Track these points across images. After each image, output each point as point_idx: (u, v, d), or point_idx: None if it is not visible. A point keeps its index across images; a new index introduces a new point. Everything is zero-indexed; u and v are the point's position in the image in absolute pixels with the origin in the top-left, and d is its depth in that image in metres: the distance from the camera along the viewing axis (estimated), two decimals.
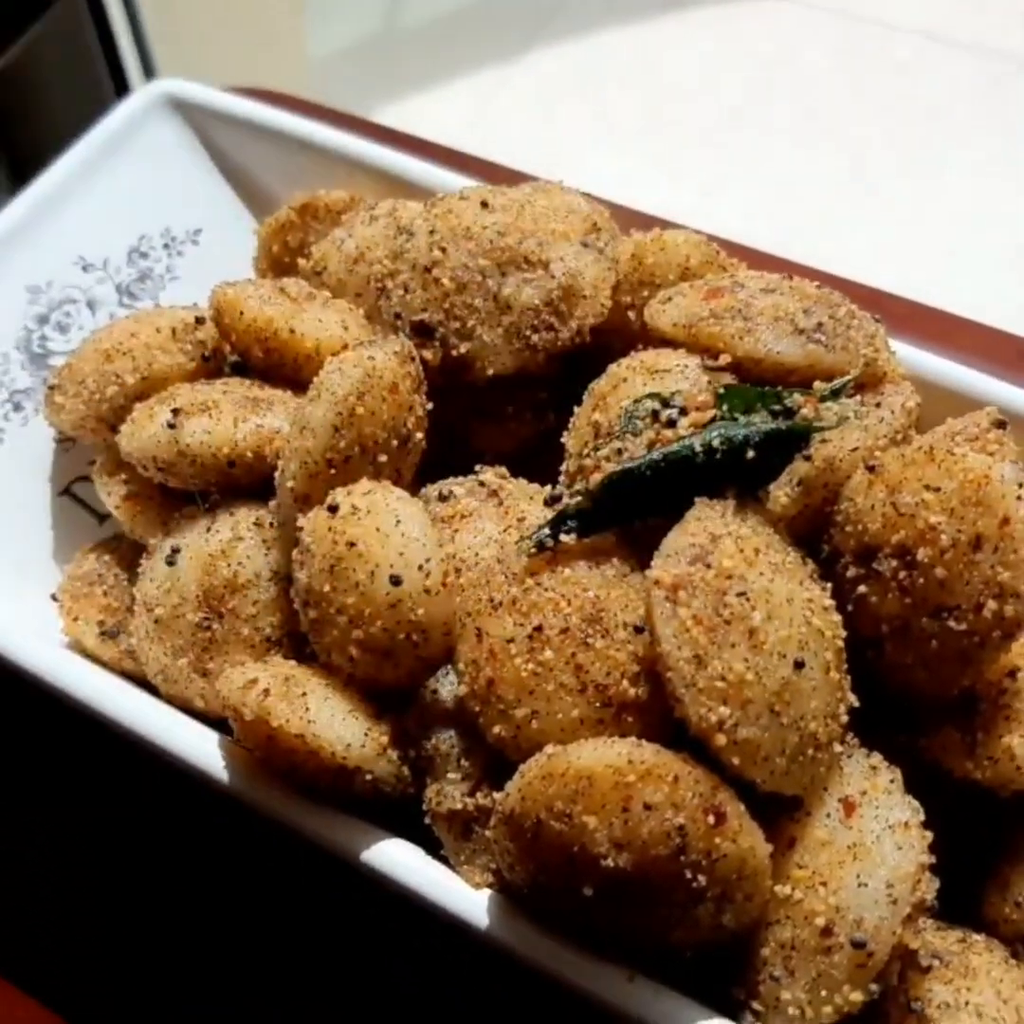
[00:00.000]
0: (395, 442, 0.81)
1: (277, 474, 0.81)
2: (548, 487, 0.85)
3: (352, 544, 0.75)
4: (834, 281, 0.95)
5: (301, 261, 1.01)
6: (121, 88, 2.03)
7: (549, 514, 0.80)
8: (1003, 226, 2.64)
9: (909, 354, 0.92)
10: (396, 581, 0.74)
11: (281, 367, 0.90)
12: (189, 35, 2.54)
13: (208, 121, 1.13)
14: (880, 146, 2.86)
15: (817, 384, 0.78)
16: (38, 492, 1.01)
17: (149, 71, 2.22)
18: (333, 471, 0.79)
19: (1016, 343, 1.19)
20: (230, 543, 0.83)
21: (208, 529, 0.84)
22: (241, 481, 0.86)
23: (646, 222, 0.98)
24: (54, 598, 0.95)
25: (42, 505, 1.01)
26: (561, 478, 0.85)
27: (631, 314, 0.92)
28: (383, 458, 0.81)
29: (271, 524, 0.84)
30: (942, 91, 2.97)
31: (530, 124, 2.93)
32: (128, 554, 0.96)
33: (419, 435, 0.84)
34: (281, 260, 1.07)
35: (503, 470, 0.88)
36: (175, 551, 0.84)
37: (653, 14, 3.25)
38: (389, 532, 0.75)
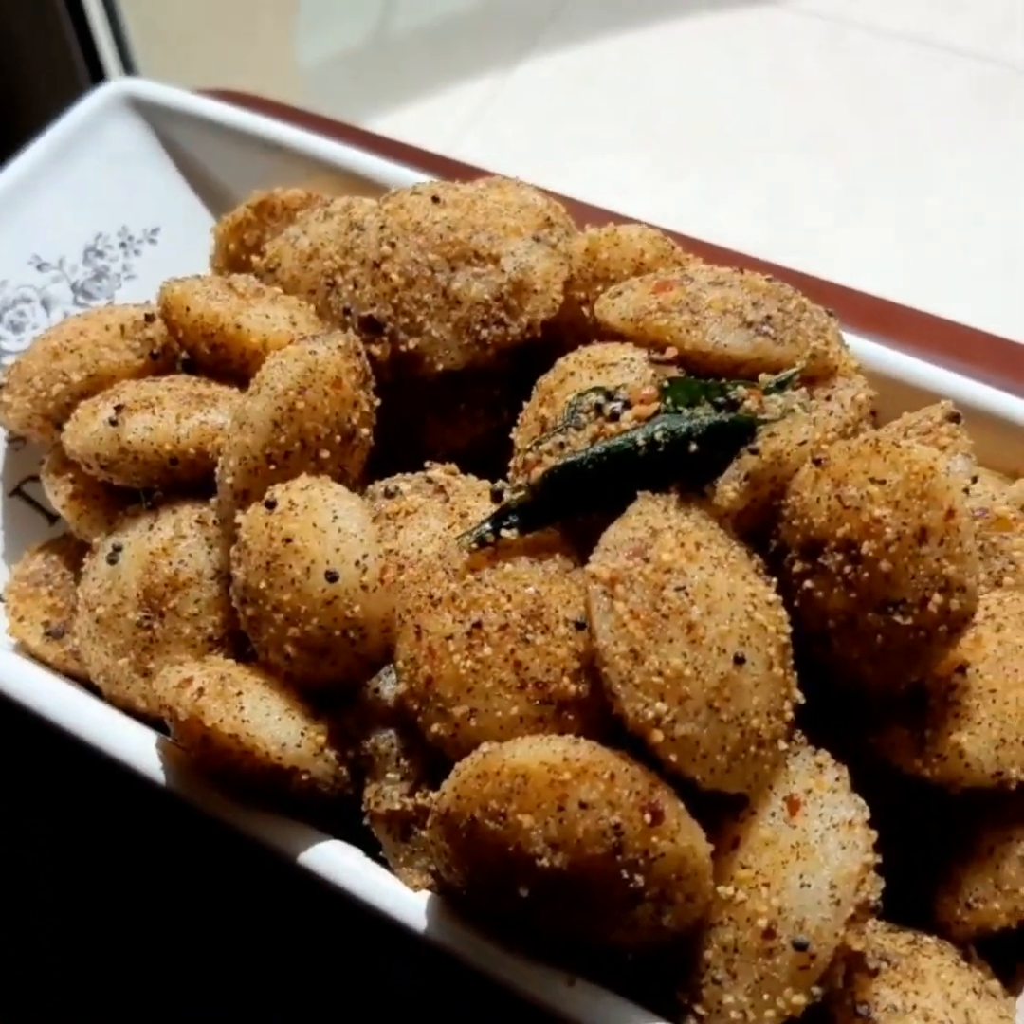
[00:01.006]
0: (338, 438, 0.80)
1: (217, 470, 0.80)
2: (499, 482, 0.84)
3: (288, 540, 0.73)
4: (794, 277, 0.94)
5: (255, 258, 1.00)
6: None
7: (494, 510, 0.79)
8: (995, 232, 2.63)
9: (866, 349, 0.91)
10: (332, 577, 0.72)
11: (228, 363, 0.89)
12: (175, 46, 2.54)
13: (167, 120, 1.12)
14: (873, 152, 2.86)
15: (763, 376, 0.77)
16: None
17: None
18: (273, 467, 0.78)
19: (987, 339, 1.17)
20: (172, 541, 0.82)
21: (150, 527, 0.83)
22: (184, 479, 0.84)
23: (606, 218, 0.96)
24: (0, 598, 0.93)
25: None
26: (509, 474, 0.84)
27: (585, 310, 0.90)
28: (325, 454, 0.79)
29: (214, 522, 0.83)
30: (935, 98, 2.96)
31: (524, 132, 2.92)
32: (75, 554, 0.94)
33: (365, 431, 0.83)
34: (238, 258, 1.05)
35: (453, 467, 0.87)
36: (117, 549, 0.83)
37: (647, 22, 3.25)
38: (326, 528, 0.74)
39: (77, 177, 1.08)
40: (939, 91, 2.97)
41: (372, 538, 0.74)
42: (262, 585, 0.74)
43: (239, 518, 0.77)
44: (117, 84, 1.12)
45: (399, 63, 3.21)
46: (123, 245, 1.09)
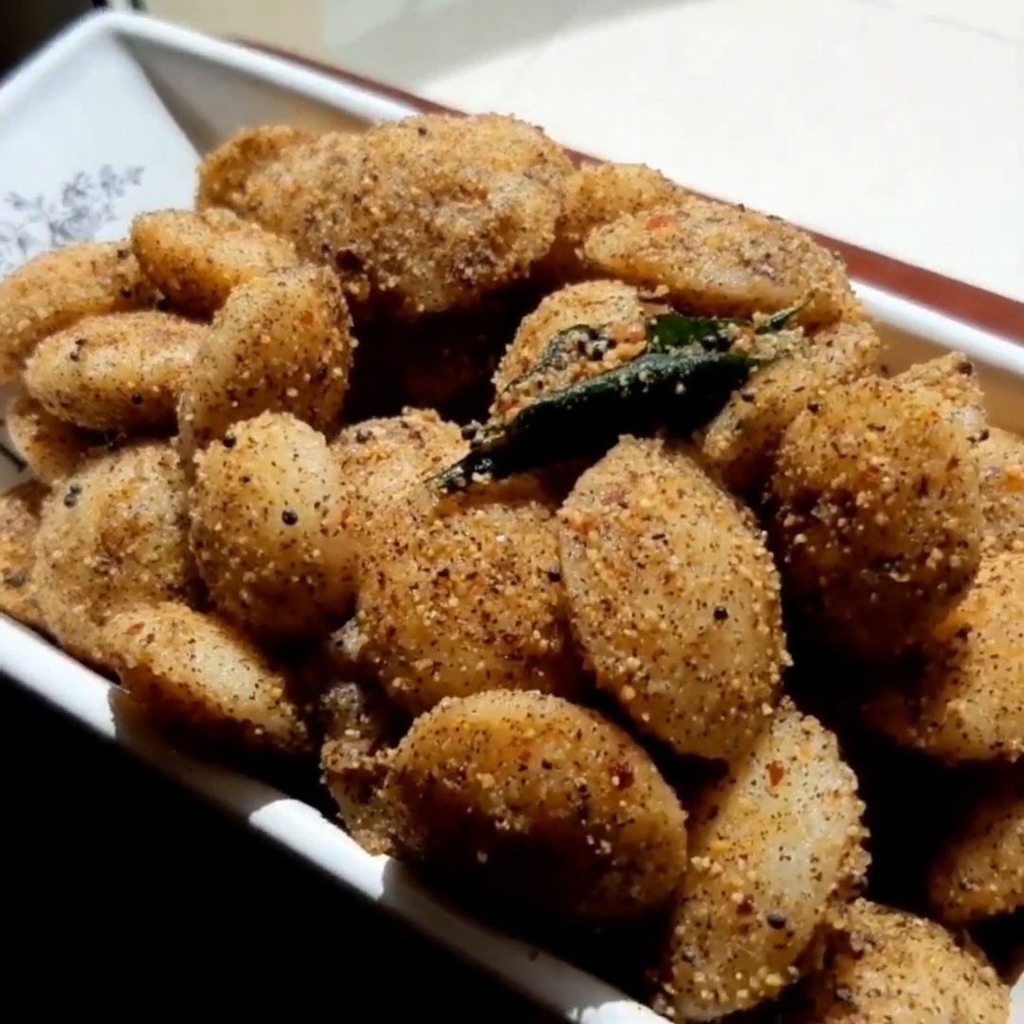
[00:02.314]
0: (307, 376, 0.76)
1: (178, 408, 0.76)
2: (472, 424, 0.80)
3: (246, 479, 0.69)
4: (822, 240, 0.88)
5: (236, 196, 0.96)
6: None
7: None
8: None
9: (876, 298, 0.86)
10: (290, 519, 0.68)
11: (200, 300, 0.85)
12: (198, 14, 2.50)
13: (153, 56, 1.08)
14: (907, 135, 2.79)
15: (757, 315, 0.72)
16: None
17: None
18: (235, 404, 0.73)
19: (1007, 304, 1.12)
20: (132, 483, 0.78)
21: (111, 469, 0.79)
22: (149, 419, 0.80)
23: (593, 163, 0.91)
24: None
25: None
26: (490, 420, 0.80)
27: (579, 252, 0.86)
28: (293, 393, 0.75)
29: (177, 465, 0.78)
30: (971, 82, 2.89)
31: (554, 110, 2.85)
32: (40, 500, 0.90)
33: (338, 371, 0.78)
34: (223, 198, 1.01)
35: (432, 413, 0.82)
36: (75, 492, 0.79)
37: (682, 3, 3.19)
38: (285, 467, 0.69)
39: (58, 113, 1.04)
40: (975, 75, 2.90)
41: (334, 479, 0.70)
42: (218, 527, 0.70)
43: (198, 457, 0.73)
44: (102, 18, 1.08)
45: (429, 39, 3.16)
46: (105, 184, 1.05)
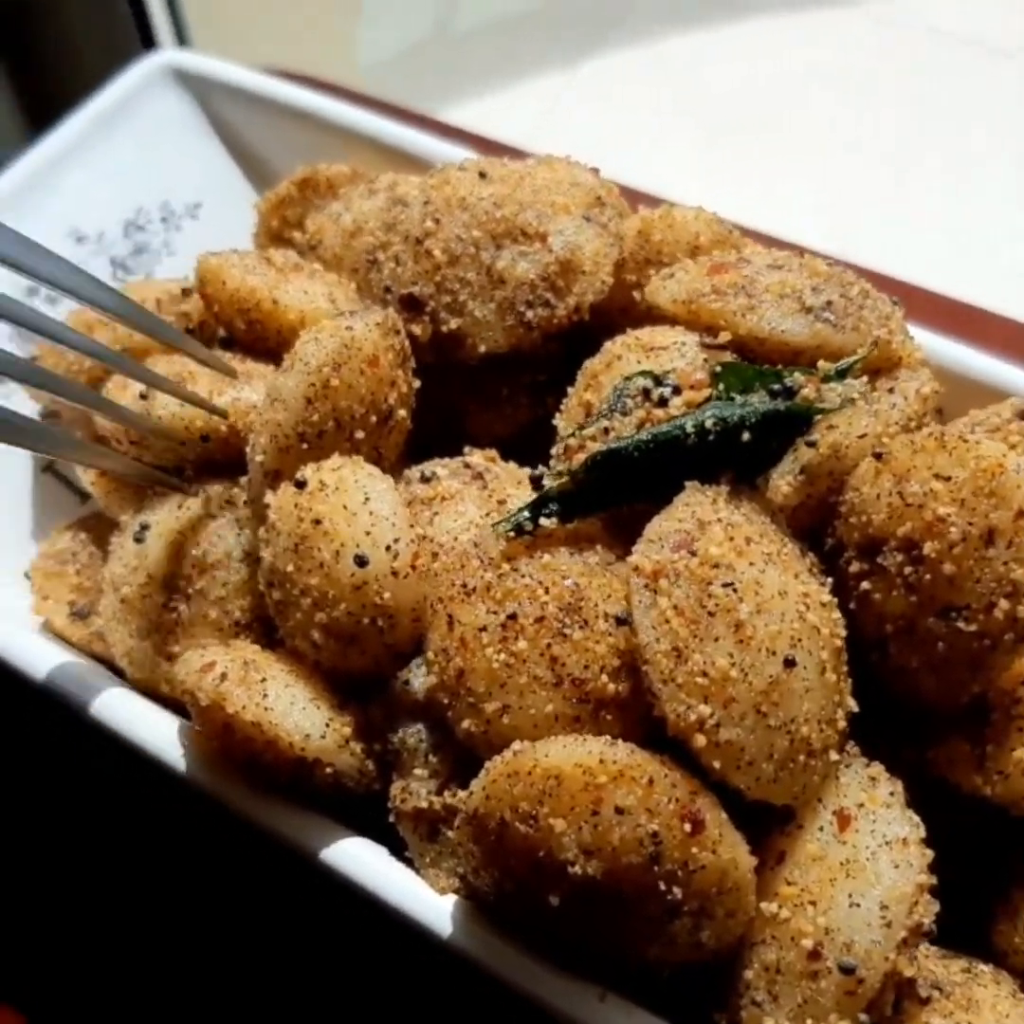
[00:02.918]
0: (374, 418, 0.77)
1: (248, 448, 0.77)
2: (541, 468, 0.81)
3: (318, 521, 0.70)
4: (863, 273, 0.89)
5: (296, 235, 0.98)
6: None
7: (533, 497, 0.76)
8: None
9: (932, 342, 0.87)
10: (361, 562, 0.69)
11: (264, 340, 0.86)
12: (235, 37, 2.53)
13: (212, 93, 1.10)
14: (933, 155, 2.80)
15: (821, 363, 0.72)
16: (20, 468, 0.98)
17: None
18: (305, 446, 0.75)
19: None
20: (201, 521, 0.79)
21: (179, 506, 0.80)
22: (216, 458, 0.82)
23: (651, 204, 0.93)
24: (27, 576, 0.91)
25: (23, 482, 0.98)
26: (551, 461, 0.81)
27: (637, 294, 0.87)
28: (360, 435, 0.76)
29: (244, 503, 0.80)
30: (994, 100, 2.90)
31: (589, 132, 2.88)
32: (104, 533, 0.92)
33: (402, 413, 0.80)
34: (280, 235, 1.02)
35: (492, 453, 0.83)
36: (144, 528, 0.80)
37: (714, 24, 3.21)
38: (356, 510, 0.70)
39: (119, 149, 1.06)
40: (997, 93, 2.91)
41: (404, 522, 0.71)
42: (289, 568, 0.71)
43: (269, 498, 0.74)
44: (162, 55, 1.10)
45: (463, 59, 3.18)
46: (164, 220, 1.07)
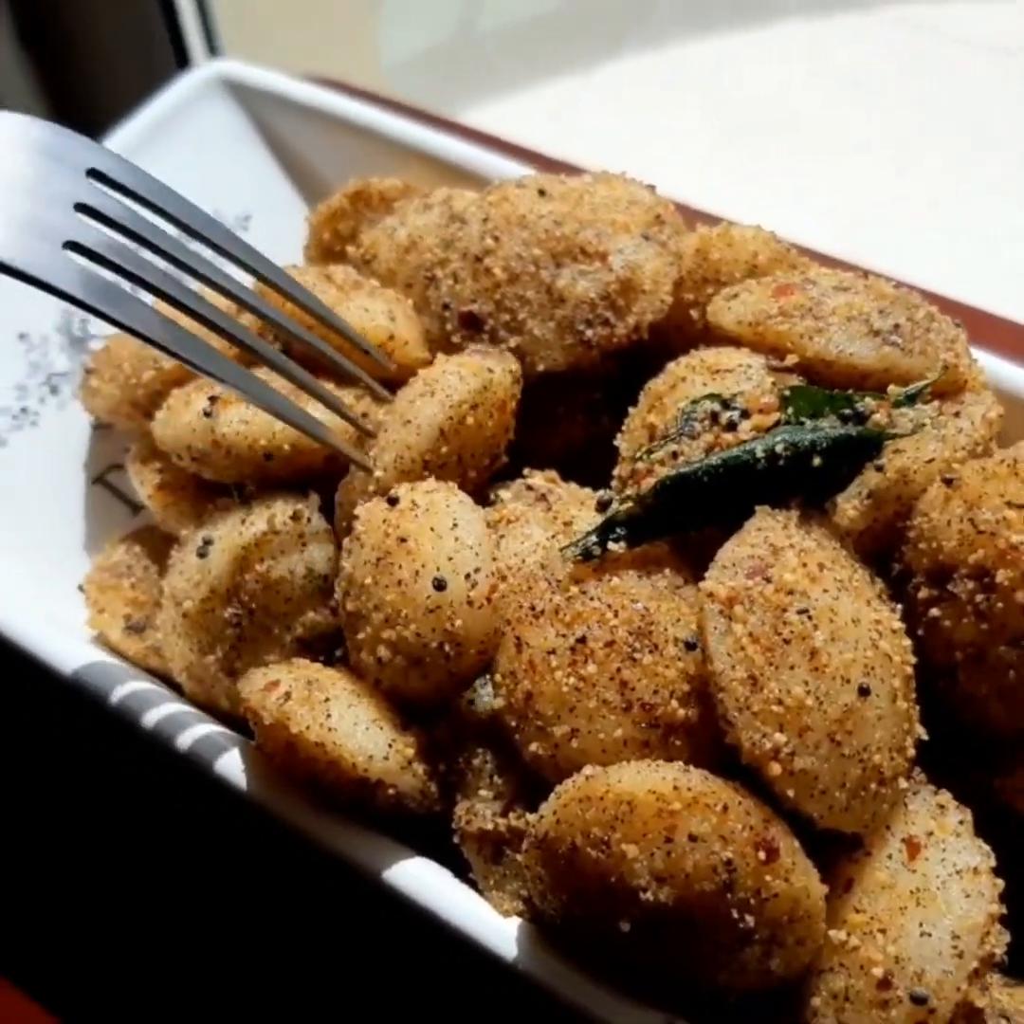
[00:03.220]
0: (487, 460, 0.79)
1: (350, 457, 0.76)
2: (601, 492, 0.81)
3: (403, 539, 0.71)
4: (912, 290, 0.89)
5: (350, 249, 0.97)
6: None
7: (599, 520, 0.76)
8: None
9: (991, 364, 0.86)
10: (439, 585, 0.69)
11: (323, 356, 0.86)
12: (262, 41, 2.53)
13: (263, 104, 1.10)
14: (957, 163, 2.79)
15: (891, 388, 0.72)
16: (71, 479, 0.98)
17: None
18: (426, 473, 0.76)
19: None
20: (265, 537, 0.79)
21: (242, 521, 0.80)
22: (278, 474, 0.82)
23: (714, 221, 0.92)
24: (81, 589, 0.91)
25: (75, 492, 0.98)
26: (613, 482, 0.81)
27: (694, 312, 0.87)
28: (472, 474, 0.78)
29: (309, 519, 0.80)
30: (1019, 108, 2.89)
31: (607, 136, 2.88)
32: (159, 546, 0.92)
33: (504, 458, 0.82)
34: (332, 248, 1.02)
35: (553, 474, 0.83)
36: (207, 543, 0.80)
37: (732, 28, 3.20)
38: (443, 534, 0.71)
39: (169, 160, 1.06)
40: (1014, 96, 2.90)
41: (488, 554, 0.72)
42: (368, 580, 0.71)
43: (358, 510, 0.74)
44: (212, 66, 1.10)
45: (482, 62, 3.18)
46: None
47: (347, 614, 0.73)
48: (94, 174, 0.70)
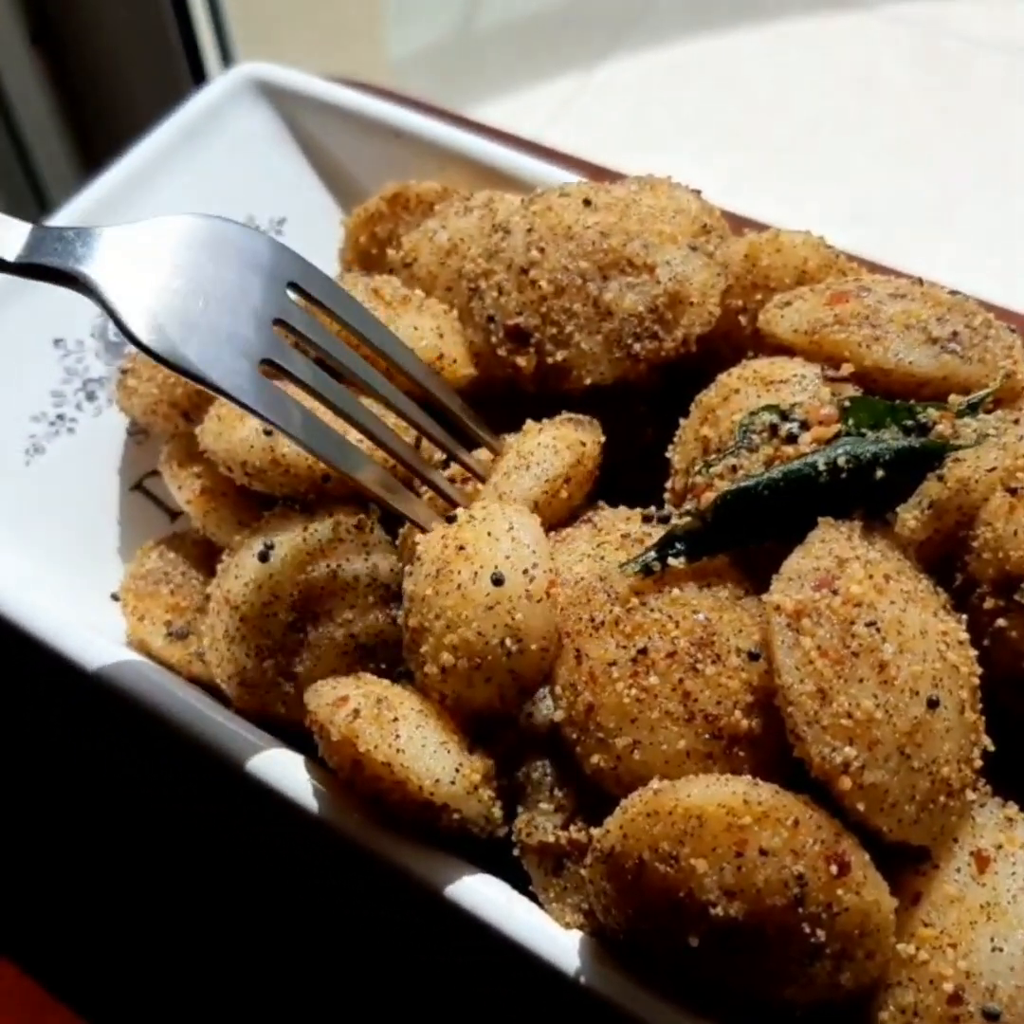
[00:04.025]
0: (568, 519, 0.80)
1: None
2: (649, 508, 0.81)
3: (461, 548, 0.71)
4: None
5: (390, 252, 0.97)
6: (200, 79, 2.01)
7: (647, 530, 0.75)
8: None
9: None
10: (498, 581, 0.69)
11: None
12: (270, 34, 2.53)
13: (296, 107, 1.09)
14: (964, 161, 2.79)
15: (952, 398, 0.72)
16: (108, 485, 0.97)
17: (229, 66, 2.20)
18: None
19: None
20: (330, 544, 0.79)
21: (305, 528, 0.80)
22: (333, 494, 0.81)
23: (754, 227, 0.92)
24: (114, 597, 0.91)
25: (112, 499, 0.97)
26: (666, 495, 0.80)
27: (742, 318, 0.86)
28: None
29: (372, 529, 0.80)
30: (1015, 99, 2.89)
31: (607, 133, 2.88)
32: (195, 552, 0.92)
33: None
34: (368, 252, 1.02)
35: (599, 503, 0.83)
36: (269, 547, 0.79)
37: (732, 25, 3.20)
38: (500, 536, 0.71)
39: (202, 163, 1.05)
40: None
41: (545, 553, 0.72)
42: (429, 592, 0.71)
43: (418, 537, 0.75)
44: (245, 68, 1.09)
45: (484, 59, 3.19)
46: None
47: (410, 631, 0.72)
48: (293, 286, 0.74)
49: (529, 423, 0.83)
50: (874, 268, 0.90)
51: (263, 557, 0.78)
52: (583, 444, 0.79)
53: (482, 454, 0.84)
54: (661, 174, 0.91)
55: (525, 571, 0.70)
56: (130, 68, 1.96)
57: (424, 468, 0.79)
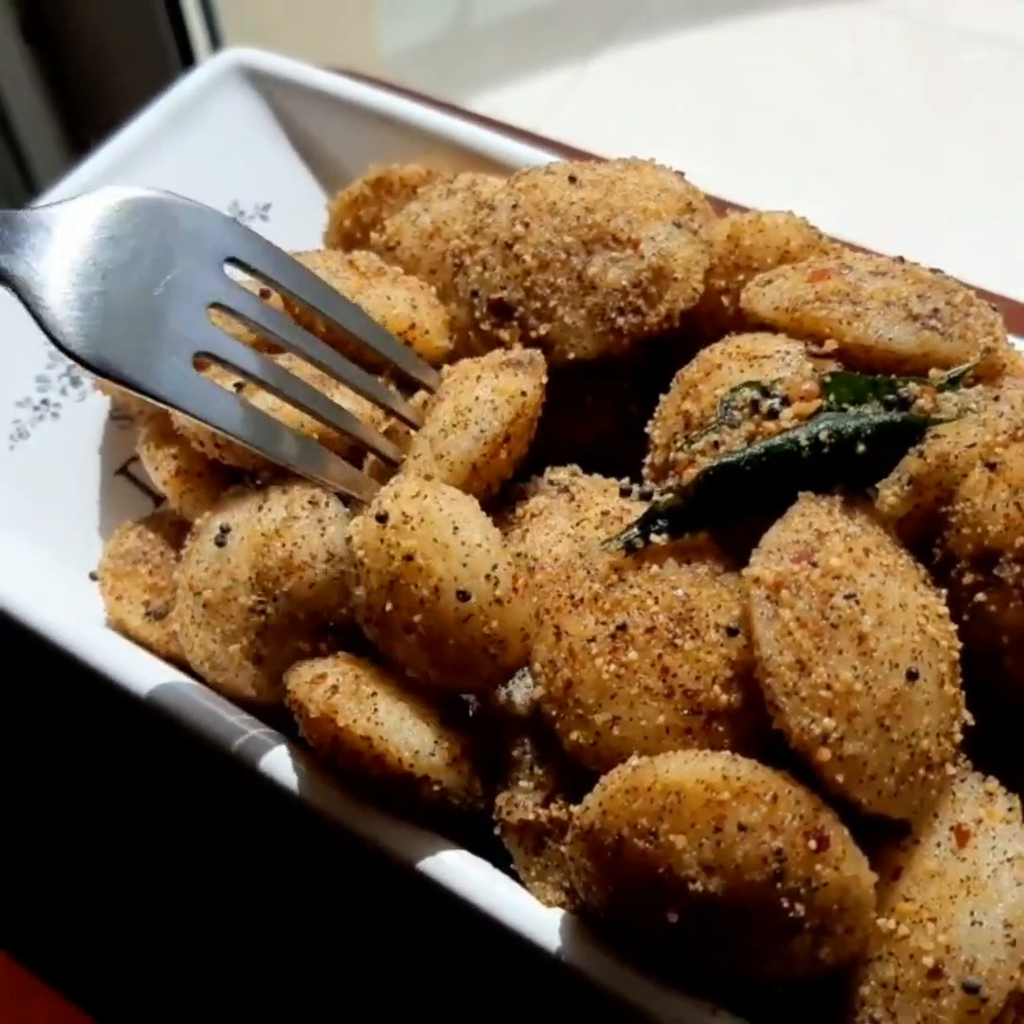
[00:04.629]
0: (511, 473, 0.79)
1: (380, 451, 0.76)
2: (624, 480, 0.81)
3: (409, 557, 0.68)
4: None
5: (374, 235, 0.96)
6: (188, 65, 2.01)
7: (626, 506, 0.75)
8: None
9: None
10: (464, 597, 0.67)
11: (345, 344, 0.85)
12: (262, 30, 2.52)
13: (281, 92, 1.09)
14: (958, 155, 2.79)
15: (933, 372, 0.72)
16: (92, 470, 0.97)
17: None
18: None
19: None
20: (284, 522, 0.78)
21: (260, 508, 0.79)
22: None
23: (738, 211, 0.92)
24: (92, 577, 0.90)
25: (96, 483, 0.97)
26: (644, 470, 0.80)
27: (725, 299, 0.86)
28: (496, 488, 0.78)
29: (327, 503, 0.79)
30: (1018, 99, 2.89)
31: (600, 126, 2.87)
32: (173, 532, 0.91)
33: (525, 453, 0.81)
34: (352, 235, 1.02)
35: (575, 468, 0.83)
36: (225, 531, 0.79)
37: (727, 18, 3.20)
38: (448, 542, 0.68)
39: (189, 148, 1.05)
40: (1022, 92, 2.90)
41: (498, 544, 0.69)
42: (388, 607, 0.69)
43: (349, 529, 0.72)
44: (230, 54, 1.09)
45: (479, 53, 3.18)
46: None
47: (374, 636, 0.72)
48: (235, 261, 0.73)
49: (465, 364, 0.81)
50: (857, 250, 0.90)
51: (220, 542, 0.78)
52: (523, 394, 0.76)
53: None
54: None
55: (487, 576, 0.68)
56: (121, 63, 1.96)
57: (365, 433, 0.78)
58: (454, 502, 0.70)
